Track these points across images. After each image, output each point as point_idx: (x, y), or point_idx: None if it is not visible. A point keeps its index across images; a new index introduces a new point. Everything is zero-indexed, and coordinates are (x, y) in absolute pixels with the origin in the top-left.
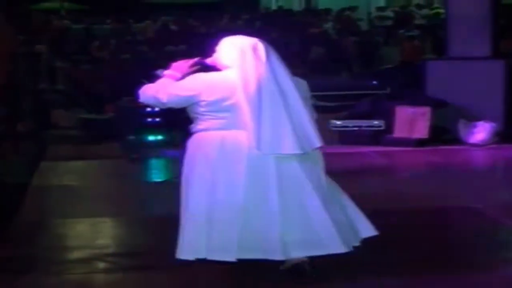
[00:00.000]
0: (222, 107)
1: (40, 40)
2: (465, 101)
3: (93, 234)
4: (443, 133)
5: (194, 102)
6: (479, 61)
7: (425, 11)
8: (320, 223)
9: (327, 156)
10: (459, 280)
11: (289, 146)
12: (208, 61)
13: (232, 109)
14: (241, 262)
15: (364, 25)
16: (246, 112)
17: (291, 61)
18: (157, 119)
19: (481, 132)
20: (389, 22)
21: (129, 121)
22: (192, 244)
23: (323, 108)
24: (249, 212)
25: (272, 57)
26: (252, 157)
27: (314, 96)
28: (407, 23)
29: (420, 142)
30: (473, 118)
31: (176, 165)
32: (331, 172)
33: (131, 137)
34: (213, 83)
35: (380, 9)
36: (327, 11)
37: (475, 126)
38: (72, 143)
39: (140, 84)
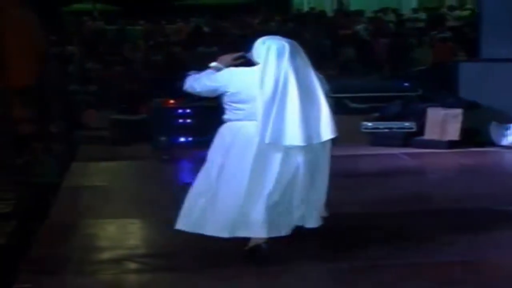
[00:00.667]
0: (241, 99)
1: (73, 41)
2: (497, 103)
3: (124, 235)
4: (475, 135)
5: (220, 92)
6: (511, 62)
7: (457, 13)
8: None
9: (358, 157)
10: (490, 283)
11: (293, 138)
12: (249, 55)
13: (249, 101)
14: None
15: (396, 27)
16: (258, 105)
17: (322, 63)
18: (189, 120)
19: None
20: (421, 24)
21: (161, 122)
22: (191, 218)
23: (355, 109)
24: (248, 195)
25: (298, 55)
26: (261, 147)
27: (346, 98)
28: (439, 25)
29: (452, 144)
30: (505, 120)
31: None
32: (362, 173)
33: (163, 138)
34: (238, 77)
35: (412, 11)
36: (359, 12)
37: (507, 128)
38: (104, 144)
39: (172, 85)
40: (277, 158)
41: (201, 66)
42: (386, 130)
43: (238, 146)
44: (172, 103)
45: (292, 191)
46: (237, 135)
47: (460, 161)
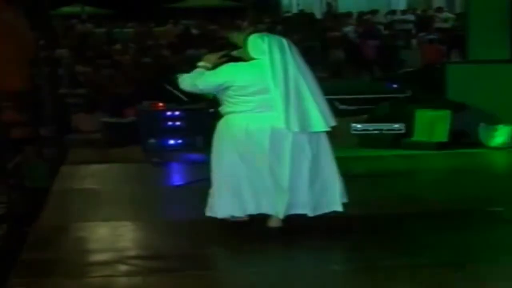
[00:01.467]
0: (251, 92)
1: (62, 44)
2: (485, 104)
3: (114, 238)
4: (463, 137)
5: (226, 87)
6: (499, 64)
7: (445, 14)
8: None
9: (347, 159)
10: (483, 285)
11: (315, 124)
12: (234, 53)
13: (259, 93)
14: None
15: (384, 29)
16: (275, 96)
17: (311, 65)
18: (178, 123)
19: (501, 135)
20: (409, 26)
21: (150, 124)
22: (228, 205)
23: (344, 111)
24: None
25: (294, 50)
26: (274, 135)
27: (335, 100)
28: (427, 26)
29: (441, 146)
30: (494, 121)
31: (196, 168)
32: (352, 175)
33: (152, 141)
34: (244, 70)
35: (400, 12)
36: (348, 14)
37: (495, 129)
38: (94, 147)
39: (162, 87)
40: (288, 143)
41: (190, 68)
42: (376, 132)
43: (251, 138)
44: (160, 106)
45: (303, 174)
46: (247, 127)
47: (450, 162)
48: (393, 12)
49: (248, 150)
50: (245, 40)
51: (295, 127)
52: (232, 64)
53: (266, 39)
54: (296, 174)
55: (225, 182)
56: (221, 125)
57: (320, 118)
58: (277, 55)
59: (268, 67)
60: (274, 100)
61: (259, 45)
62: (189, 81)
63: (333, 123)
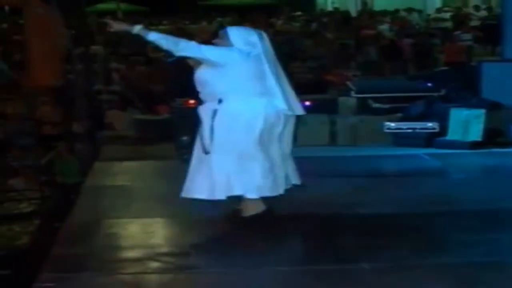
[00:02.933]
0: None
1: (96, 41)
2: None
3: (146, 234)
4: (498, 136)
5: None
6: None
7: (482, 13)
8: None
9: (381, 158)
10: None
11: (296, 108)
12: (215, 41)
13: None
14: None
15: (420, 27)
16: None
17: (346, 63)
18: None
19: None
20: (445, 24)
21: (183, 122)
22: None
23: (378, 109)
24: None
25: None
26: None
27: (369, 98)
28: (463, 25)
29: (475, 145)
30: None
31: None
32: (385, 174)
33: (185, 138)
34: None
35: (437, 10)
36: (383, 13)
37: None
38: (126, 143)
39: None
40: (280, 124)
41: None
42: (409, 131)
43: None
44: (193, 103)
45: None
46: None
47: (483, 162)
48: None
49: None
50: (222, 31)
51: (298, 111)
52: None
53: (252, 31)
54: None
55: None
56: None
57: (298, 104)
58: (265, 47)
59: (262, 57)
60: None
61: (246, 36)
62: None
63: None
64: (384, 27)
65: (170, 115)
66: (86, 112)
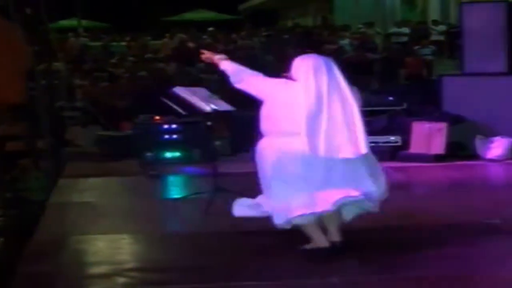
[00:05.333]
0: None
1: (58, 57)
2: (482, 117)
3: (113, 250)
4: (460, 149)
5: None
6: (495, 76)
7: (441, 27)
8: None
9: None
10: None
11: (344, 151)
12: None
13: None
14: None
15: (380, 42)
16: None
17: None
18: (175, 136)
19: (498, 147)
20: (405, 39)
21: (147, 138)
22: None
23: None
24: None
25: (334, 71)
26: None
27: None
28: (423, 39)
29: (437, 158)
30: (490, 133)
31: (193, 181)
32: None
33: (149, 154)
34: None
35: (396, 25)
36: (344, 27)
37: (492, 142)
38: (91, 160)
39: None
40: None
41: (186, 81)
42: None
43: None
44: (157, 119)
45: None
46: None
47: (447, 174)
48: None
49: None
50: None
51: (321, 153)
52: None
53: (306, 61)
54: None
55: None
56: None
57: (348, 146)
58: (311, 79)
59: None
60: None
61: (299, 67)
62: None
63: (363, 151)
64: (344, 42)
65: (133, 131)
66: (49, 129)
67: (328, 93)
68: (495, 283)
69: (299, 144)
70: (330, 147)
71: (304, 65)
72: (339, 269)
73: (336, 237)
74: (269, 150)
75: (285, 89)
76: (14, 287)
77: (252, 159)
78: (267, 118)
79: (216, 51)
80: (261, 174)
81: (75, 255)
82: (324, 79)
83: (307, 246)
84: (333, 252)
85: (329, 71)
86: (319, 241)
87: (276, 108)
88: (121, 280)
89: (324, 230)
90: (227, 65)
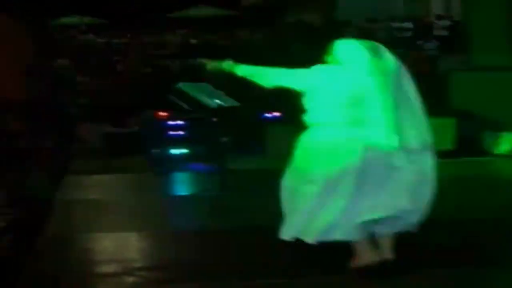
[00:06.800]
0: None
1: (63, 54)
2: (490, 112)
3: (119, 249)
4: (469, 144)
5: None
6: (504, 71)
7: (445, 22)
8: None
9: None
10: None
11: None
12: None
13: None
14: None
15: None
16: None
17: None
18: (181, 132)
19: (506, 142)
20: (408, 33)
21: (153, 134)
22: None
23: None
24: None
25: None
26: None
27: None
28: (426, 34)
29: (445, 154)
30: (499, 128)
31: (199, 178)
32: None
33: (155, 151)
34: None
35: (399, 20)
36: (347, 23)
37: (500, 137)
38: (97, 156)
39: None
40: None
41: (190, 77)
42: None
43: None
44: (163, 115)
45: None
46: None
47: (455, 170)
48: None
49: None
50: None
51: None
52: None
53: (358, 43)
54: None
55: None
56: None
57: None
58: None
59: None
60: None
61: (351, 50)
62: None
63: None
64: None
65: (139, 127)
66: (54, 126)
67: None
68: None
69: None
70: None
71: (354, 49)
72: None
73: (388, 254)
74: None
75: (328, 76)
76: (21, 286)
77: (259, 156)
78: (314, 109)
79: (220, 47)
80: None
81: (81, 253)
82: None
83: (355, 264)
84: (383, 271)
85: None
86: (368, 257)
87: (323, 97)
88: (129, 279)
89: (375, 244)
90: (244, 70)
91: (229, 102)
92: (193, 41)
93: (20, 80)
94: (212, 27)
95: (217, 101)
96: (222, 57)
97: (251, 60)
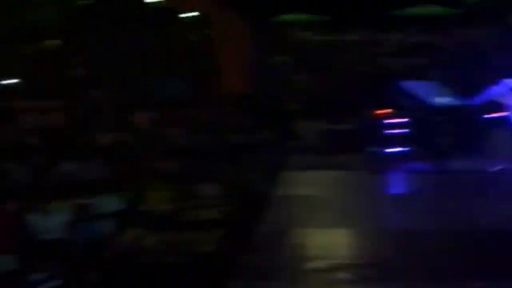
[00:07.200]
0: None
1: (282, 51)
2: None
3: (332, 245)
4: None
5: None
6: None
7: None
8: None
9: None
10: None
11: None
12: None
13: None
14: None
15: None
16: None
17: None
18: (399, 131)
19: None
20: None
21: (371, 132)
22: None
23: None
24: None
25: None
26: None
27: None
28: None
29: None
30: None
31: (416, 178)
32: None
33: (373, 149)
34: None
35: None
36: None
37: None
38: (313, 153)
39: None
40: None
41: (411, 77)
42: None
43: None
44: (382, 113)
45: None
46: None
47: None
48: None
49: None
50: None
51: None
52: None
53: None
54: None
55: None
56: None
57: None
58: None
59: None
60: None
61: None
62: None
63: None
64: None
65: (357, 125)
66: (274, 121)
67: None
68: None
69: None
70: None
71: None
72: None
73: None
74: None
75: None
76: (232, 277)
77: (476, 157)
78: None
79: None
80: None
81: (295, 248)
82: None
83: None
84: None
85: None
86: None
87: None
88: (343, 275)
89: None
90: None
91: (459, 101)
92: (411, 39)
93: (244, 76)
94: (432, 26)
95: (445, 100)
96: (442, 57)
97: (472, 62)
